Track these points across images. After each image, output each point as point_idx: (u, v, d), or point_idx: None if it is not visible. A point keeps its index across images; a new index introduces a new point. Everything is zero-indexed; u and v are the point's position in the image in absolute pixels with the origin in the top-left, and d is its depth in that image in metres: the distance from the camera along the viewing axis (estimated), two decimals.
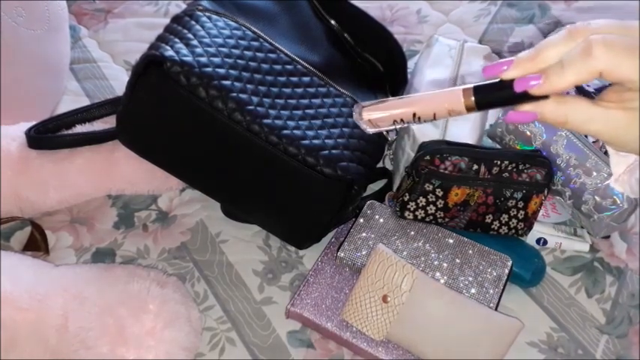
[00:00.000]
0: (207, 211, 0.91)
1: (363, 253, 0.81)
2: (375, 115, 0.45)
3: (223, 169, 0.80)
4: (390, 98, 0.46)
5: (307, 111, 0.80)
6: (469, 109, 0.42)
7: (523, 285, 0.85)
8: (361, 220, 0.84)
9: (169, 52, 0.75)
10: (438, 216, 0.83)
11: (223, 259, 0.87)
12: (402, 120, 0.44)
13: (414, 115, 0.44)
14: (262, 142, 0.76)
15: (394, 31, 1.02)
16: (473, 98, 0.42)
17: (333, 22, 0.97)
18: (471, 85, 0.42)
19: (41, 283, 0.74)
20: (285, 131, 0.76)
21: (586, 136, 0.89)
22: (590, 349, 0.80)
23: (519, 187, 0.82)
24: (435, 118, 0.44)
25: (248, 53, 0.80)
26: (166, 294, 0.74)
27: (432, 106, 0.43)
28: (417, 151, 0.83)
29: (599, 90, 0.94)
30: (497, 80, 0.42)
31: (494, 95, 0.42)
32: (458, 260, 0.81)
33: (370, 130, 0.46)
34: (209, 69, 0.75)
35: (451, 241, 0.83)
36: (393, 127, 0.45)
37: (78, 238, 0.89)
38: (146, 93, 0.77)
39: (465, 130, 0.87)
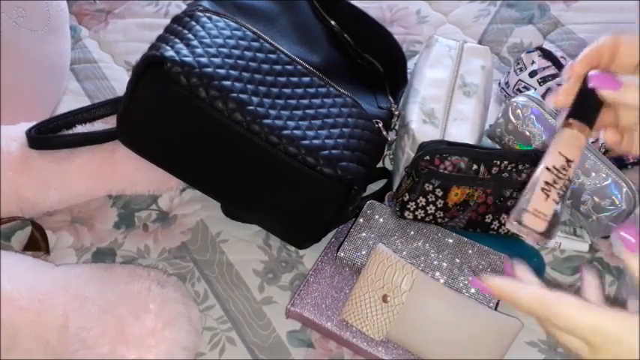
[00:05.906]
0: (208, 211, 0.91)
1: (363, 253, 0.81)
2: (530, 204, 0.44)
3: (223, 169, 0.80)
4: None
5: (307, 111, 0.80)
6: (586, 133, 0.44)
7: None
8: (361, 220, 0.84)
9: (170, 53, 0.75)
10: (438, 216, 0.83)
11: (223, 259, 0.87)
12: (547, 184, 0.44)
13: (549, 169, 0.44)
14: (262, 143, 0.76)
15: (394, 31, 1.02)
16: (579, 123, 0.44)
17: (332, 22, 0.97)
18: (569, 118, 0.44)
19: (41, 282, 0.74)
20: (285, 131, 0.76)
21: None
22: None
23: (519, 187, 0.82)
24: (569, 159, 0.44)
25: (248, 54, 0.80)
26: (167, 294, 0.74)
27: (557, 150, 0.44)
28: (417, 151, 0.83)
29: None
30: (578, 98, 0.44)
31: (591, 112, 0.44)
32: (457, 260, 0.81)
33: (540, 228, 0.44)
34: (209, 69, 0.75)
35: (451, 240, 0.83)
36: (552, 199, 0.44)
37: (78, 238, 0.89)
38: (147, 93, 0.77)
39: (465, 130, 0.87)
